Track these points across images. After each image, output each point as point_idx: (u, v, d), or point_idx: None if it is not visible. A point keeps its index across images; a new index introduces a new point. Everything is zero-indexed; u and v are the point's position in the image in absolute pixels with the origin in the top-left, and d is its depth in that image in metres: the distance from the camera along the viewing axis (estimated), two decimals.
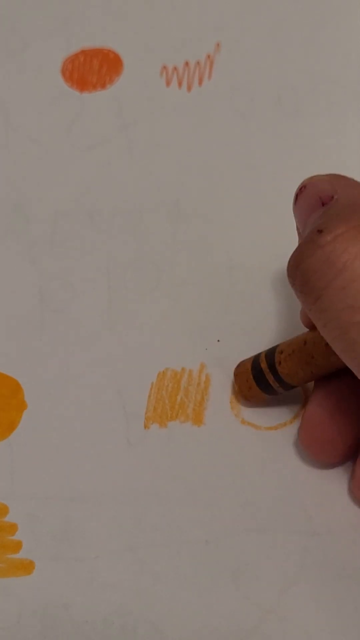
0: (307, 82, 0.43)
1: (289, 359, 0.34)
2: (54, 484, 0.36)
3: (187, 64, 0.44)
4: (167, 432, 0.37)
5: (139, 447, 0.37)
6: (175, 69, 0.44)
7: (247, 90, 0.43)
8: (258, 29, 0.44)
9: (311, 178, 0.32)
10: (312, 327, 0.34)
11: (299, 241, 0.33)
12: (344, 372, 0.31)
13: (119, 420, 0.37)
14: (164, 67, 0.44)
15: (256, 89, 0.43)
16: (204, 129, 0.43)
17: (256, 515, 0.35)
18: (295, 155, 0.42)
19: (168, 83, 0.44)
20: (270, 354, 0.35)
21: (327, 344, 0.31)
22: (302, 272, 0.29)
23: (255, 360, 0.36)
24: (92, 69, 0.44)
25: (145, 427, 0.37)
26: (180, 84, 0.44)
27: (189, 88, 0.44)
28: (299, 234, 0.33)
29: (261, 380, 0.35)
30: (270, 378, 0.35)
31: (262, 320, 0.38)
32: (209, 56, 0.44)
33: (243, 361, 0.37)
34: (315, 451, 0.35)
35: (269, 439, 0.37)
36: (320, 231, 0.28)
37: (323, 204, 0.31)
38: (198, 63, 0.44)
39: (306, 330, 0.34)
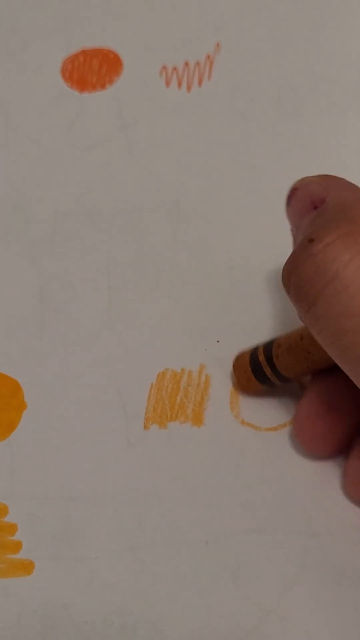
0: (307, 82, 0.43)
1: (286, 353, 0.34)
2: (54, 484, 0.36)
3: (186, 64, 0.44)
4: (167, 432, 0.37)
5: (138, 447, 0.37)
6: (175, 69, 0.44)
7: (247, 90, 0.43)
8: (258, 29, 0.44)
9: (302, 180, 0.33)
10: None
11: (292, 244, 0.33)
12: (339, 367, 0.31)
13: (118, 420, 0.37)
14: (164, 67, 0.44)
15: (256, 89, 0.43)
16: (204, 129, 0.43)
17: (256, 515, 0.35)
18: (295, 155, 0.42)
19: (168, 83, 0.44)
20: (268, 347, 0.35)
21: None
22: (295, 280, 0.29)
23: (254, 353, 0.36)
24: (92, 69, 0.44)
25: (145, 427, 0.37)
26: (180, 84, 0.44)
27: (189, 88, 0.44)
28: (292, 235, 0.33)
29: (259, 372, 0.36)
30: (267, 371, 0.35)
31: (262, 320, 0.38)
32: (208, 56, 0.44)
33: (242, 353, 0.37)
34: (308, 443, 0.35)
35: (268, 439, 0.37)
36: (311, 240, 0.29)
37: (315, 207, 0.31)
38: (198, 63, 0.44)
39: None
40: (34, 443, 0.37)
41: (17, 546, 0.36)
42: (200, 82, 0.44)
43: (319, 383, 0.35)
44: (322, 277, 0.28)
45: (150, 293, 0.40)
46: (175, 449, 0.37)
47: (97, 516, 0.36)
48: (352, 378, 0.29)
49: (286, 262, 0.30)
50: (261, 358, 0.36)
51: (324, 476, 0.36)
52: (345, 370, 0.29)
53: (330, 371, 0.34)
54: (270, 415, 0.37)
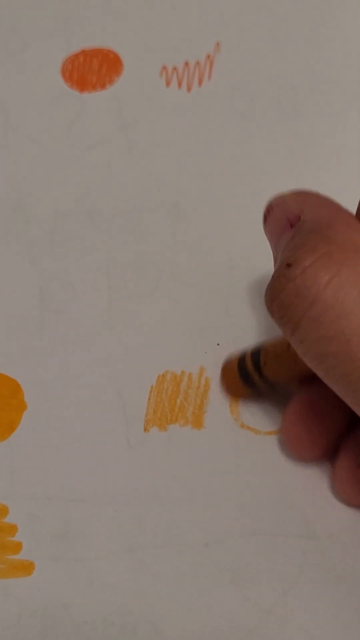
0: (307, 82, 0.43)
1: (273, 361, 0.35)
2: (54, 484, 0.36)
3: (187, 64, 0.44)
4: (167, 435, 0.37)
5: (138, 449, 0.37)
6: (175, 69, 0.44)
7: (247, 90, 0.43)
8: (258, 29, 0.44)
9: (277, 198, 0.32)
10: None
11: (273, 263, 0.33)
12: None
13: (119, 421, 0.37)
14: (164, 67, 0.44)
15: (256, 89, 0.43)
16: (204, 129, 0.43)
17: (255, 518, 0.35)
18: (295, 155, 0.42)
19: (168, 83, 0.44)
20: (256, 354, 0.35)
21: None
22: (277, 305, 0.29)
23: (241, 360, 0.36)
24: (92, 69, 0.44)
25: (145, 430, 0.37)
26: (180, 84, 0.44)
27: (189, 88, 0.44)
28: (273, 254, 0.33)
29: (247, 379, 0.36)
30: (255, 377, 0.35)
31: (262, 321, 0.38)
32: (208, 56, 0.44)
33: (230, 360, 0.37)
34: (295, 448, 0.35)
35: (268, 443, 0.37)
36: (289, 265, 0.29)
37: (291, 225, 0.31)
38: (198, 63, 0.44)
39: None
40: (34, 443, 0.37)
41: (17, 547, 0.36)
42: (200, 82, 0.44)
43: (306, 389, 0.35)
44: (303, 301, 0.28)
45: (150, 293, 0.40)
46: (175, 452, 0.37)
47: (97, 517, 0.36)
48: (340, 396, 0.29)
49: (267, 287, 0.30)
50: (249, 365, 0.36)
51: (323, 480, 0.36)
52: (332, 388, 0.29)
53: (317, 376, 0.34)
54: (269, 418, 0.37)
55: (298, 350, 0.29)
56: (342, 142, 0.42)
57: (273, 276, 0.30)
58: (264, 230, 0.33)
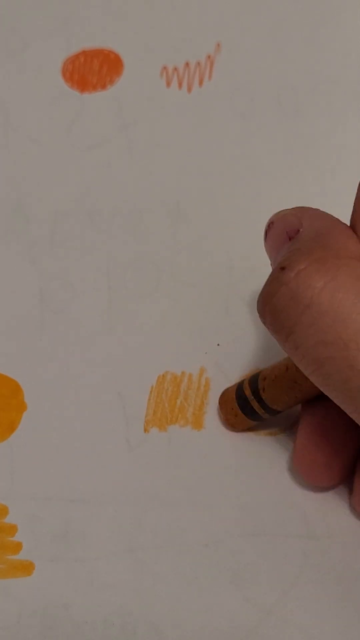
0: (307, 82, 0.43)
1: (272, 385, 0.34)
2: (54, 485, 0.36)
3: (187, 64, 0.44)
4: (167, 436, 0.37)
5: (138, 450, 0.37)
6: (175, 69, 0.44)
7: (247, 90, 0.43)
8: (258, 29, 0.44)
9: (278, 214, 0.32)
10: None
11: None
12: None
13: (119, 421, 0.37)
14: (165, 68, 0.44)
15: (256, 89, 0.43)
16: (204, 129, 0.43)
17: (255, 519, 0.35)
18: (295, 155, 0.42)
19: (168, 83, 0.44)
20: (254, 380, 0.35)
21: None
22: (270, 310, 0.29)
23: (239, 387, 0.36)
24: (93, 69, 0.44)
25: (145, 430, 0.37)
26: (180, 85, 0.44)
27: (190, 89, 0.44)
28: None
29: (246, 407, 0.35)
30: (255, 405, 0.35)
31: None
32: (209, 56, 0.44)
33: (227, 389, 0.36)
34: (312, 476, 0.34)
35: (268, 444, 0.37)
36: (283, 268, 0.28)
37: (290, 239, 0.30)
38: (198, 63, 0.44)
39: None
40: (34, 444, 0.37)
41: (17, 547, 0.36)
42: (200, 82, 0.44)
43: (310, 413, 0.34)
44: (297, 305, 0.28)
45: (150, 293, 0.40)
46: (175, 452, 0.37)
47: (97, 517, 0.36)
48: (338, 404, 0.29)
49: (260, 292, 0.29)
50: (247, 392, 0.35)
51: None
52: (330, 397, 0.29)
53: (320, 398, 0.33)
54: (269, 420, 0.37)
55: (294, 357, 0.29)
56: (342, 142, 0.42)
57: (267, 280, 0.29)
58: (265, 246, 0.33)
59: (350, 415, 0.29)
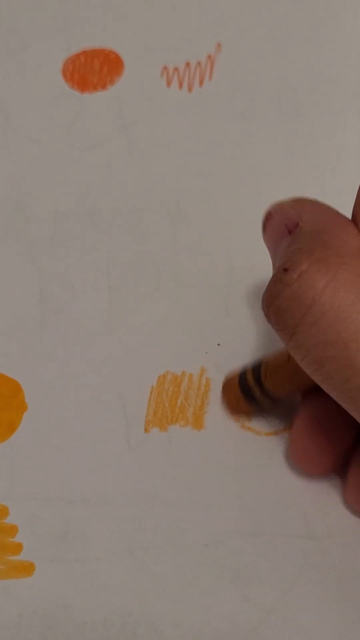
0: (307, 82, 0.43)
1: (274, 374, 0.34)
2: (55, 485, 0.36)
3: (187, 64, 0.44)
4: (167, 436, 0.37)
5: (139, 450, 0.37)
6: (176, 69, 0.44)
7: (247, 90, 0.43)
8: (258, 29, 0.44)
9: (276, 205, 0.32)
10: None
11: (272, 269, 0.33)
12: None
13: (119, 422, 0.37)
14: (165, 68, 0.44)
15: (256, 89, 0.43)
16: (205, 129, 0.43)
17: (255, 518, 0.35)
18: (295, 155, 0.42)
19: (169, 83, 0.44)
20: (257, 368, 0.35)
21: None
22: (274, 311, 0.29)
23: (242, 374, 0.36)
24: (93, 69, 0.44)
25: (146, 430, 0.37)
26: (181, 85, 0.44)
27: (190, 89, 0.44)
28: (272, 261, 0.33)
29: (249, 394, 0.36)
30: (257, 392, 0.35)
31: (262, 322, 0.38)
32: (209, 56, 0.44)
33: (230, 376, 0.37)
34: (305, 464, 0.35)
35: (268, 443, 0.37)
36: (285, 269, 0.29)
37: (289, 232, 0.31)
38: (199, 63, 0.44)
39: None
40: (35, 444, 0.37)
41: (18, 548, 0.36)
42: (201, 82, 0.44)
43: (309, 402, 0.34)
44: (300, 306, 0.28)
45: (150, 294, 0.40)
46: (175, 453, 0.37)
47: (98, 517, 0.36)
48: (339, 402, 0.29)
49: (264, 292, 0.30)
50: (250, 379, 0.35)
51: (323, 481, 0.36)
52: (331, 396, 0.29)
53: (320, 389, 0.33)
54: (270, 419, 0.37)
55: (296, 356, 0.29)
56: (342, 142, 0.42)
57: (270, 281, 0.29)
58: (263, 238, 0.33)
59: (351, 414, 0.29)
